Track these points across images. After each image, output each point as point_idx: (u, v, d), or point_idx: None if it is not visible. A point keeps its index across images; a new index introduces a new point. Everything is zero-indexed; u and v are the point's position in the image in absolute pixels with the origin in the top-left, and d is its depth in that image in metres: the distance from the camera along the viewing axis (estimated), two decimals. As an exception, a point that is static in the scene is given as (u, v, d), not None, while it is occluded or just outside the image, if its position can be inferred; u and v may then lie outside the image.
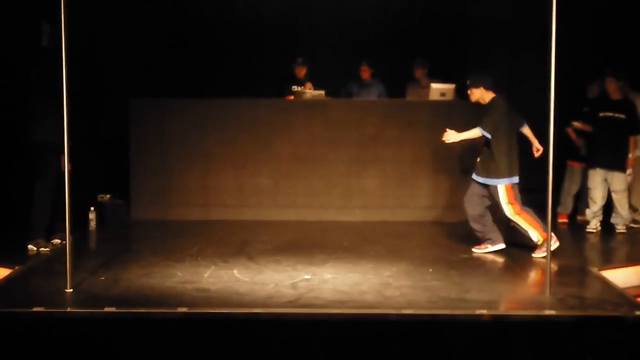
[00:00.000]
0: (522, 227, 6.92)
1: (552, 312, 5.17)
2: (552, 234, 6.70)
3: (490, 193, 6.98)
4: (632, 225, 8.41)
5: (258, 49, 10.28)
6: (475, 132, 6.93)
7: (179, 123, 8.74)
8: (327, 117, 8.81)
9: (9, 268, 6.33)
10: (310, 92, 8.93)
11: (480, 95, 7.04)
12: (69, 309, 5.20)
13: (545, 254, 6.84)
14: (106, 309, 5.12)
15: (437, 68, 9.45)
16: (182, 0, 10.08)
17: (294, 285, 5.86)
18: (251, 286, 5.82)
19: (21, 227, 7.15)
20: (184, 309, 5.15)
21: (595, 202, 8.21)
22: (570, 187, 8.85)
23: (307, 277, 6.13)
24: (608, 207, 8.32)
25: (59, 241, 7.09)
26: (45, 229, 7.08)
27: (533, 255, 6.94)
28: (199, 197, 8.75)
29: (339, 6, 10.06)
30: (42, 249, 6.99)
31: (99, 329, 5.07)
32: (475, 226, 7.09)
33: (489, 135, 6.87)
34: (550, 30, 5.33)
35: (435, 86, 8.83)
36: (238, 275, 6.17)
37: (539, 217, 6.84)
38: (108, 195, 8.80)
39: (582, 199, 8.76)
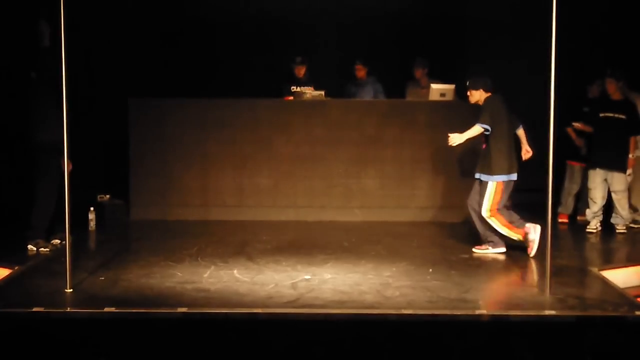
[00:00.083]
0: (496, 229, 6.96)
1: (552, 312, 5.17)
2: (532, 226, 6.76)
3: (482, 188, 7.00)
4: (632, 225, 8.40)
5: (257, 49, 10.28)
6: (476, 129, 6.93)
7: (178, 123, 8.73)
8: (327, 117, 8.81)
9: (9, 268, 6.33)
10: (310, 92, 8.93)
11: (480, 96, 7.06)
12: (68, 309, 5.20)
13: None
14: (106, 309, 5.12)
15: (437, 68, 9.44)
16: (182, 0, 10.08)
17: (293, 286, 5.86)
18: (251, 286, 5.82)
19: (21, 227, 7.14)
20: (183, 309, 5.15)
21: (595, 203, 8.20)
22: (571, 187, 8.84)
23: (307, 277, 6.12)
24: (608, 208, 8.31)
25: (58, 241, 7.09)
26: (45, 229, 7.07)
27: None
28: (198, 197, 8.75)
29: (339, 6, 10.06)
30: (42, 249, 6.99)
31: (99, 329, 5.07)
32: (479, 227, 7.09)
33: (488, 128, 6.88)
34: (550, 30, 5.33)
35: (435, 86, 8.82)
36: (238, 276, 6.16)
37: (518, 219, 6.91)
38: (108, 196, 8.79)
39: (582, 199, 8.75)
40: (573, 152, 8.73)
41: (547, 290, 5.56)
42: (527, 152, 7.17)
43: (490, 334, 5.10)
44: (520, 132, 7.23)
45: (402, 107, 9.01)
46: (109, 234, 8.04)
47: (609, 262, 7.07)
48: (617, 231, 8.21)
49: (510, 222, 6.92)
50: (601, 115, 8.16)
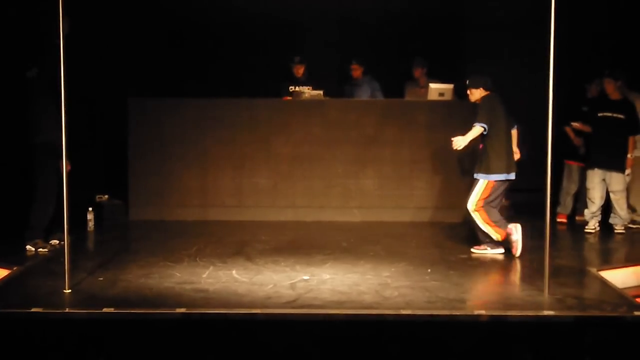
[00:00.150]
0: (478, 225, 6.98)
1: (551, 313, 5.16)
2: (514, 227, 6.78)
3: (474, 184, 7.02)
4: (631, 225, 8.41)
5: (256, 49, 10.29)
6: (476, 129, 6.93)
7: (177, 123, 8.73)
8: (326, 117, 8.81)
9: (7, 269, 6.33)
10: (308, 92, 8.93)
11: (480, 95, 7.06)
12: (67, 310, 5.19)
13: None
14: (104, 310, 5.11)
15: (436, 68, 9.45)
16: (181, 1, 10.08)
17: (292, 286, 5.86)
18: (250, 287, 5.82)
19: (20, 227, 7.14)
20: (182, 310, 5.14)
21: (593, 203, 8.21)
22: (569, 187, 8.85)
23: (306, 277, 6.12)
24: (607, 208, 8.31)
25: (57, 242, 7.08)
26: (44, 230, 7.07)
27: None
28: (197, 197, 8.75)
29: (338, 5, 10.06)
30: (41, 249, 6.98)
31: (98, 329, 5.06)
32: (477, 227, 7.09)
33: (486, 126, 6.88)
34: (549, 29, 5.33)
35: (433, 86, 8.82)
36: (236, 276, 6.16)
37: (501, 219, 6.95)
38: (106, 196, 8.79)
39: (580, 199, 8.75)
40: (571, 152, 8.73)
41: (546, 291, 5.56)
42: (515, 154, 7.17)
43: (488, 334, 5.10)
44: (513, 132, 7.24)
45: (401, 106, 9.01)
46: (108, 235, 8.04)
47: (607, 262, 7.07)
48: (616, 231, 8.21)
49: (494, 221, 6.95)
50: (600, 115, 8.16)
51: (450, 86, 8.80)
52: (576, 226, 8.63)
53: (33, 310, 5.10)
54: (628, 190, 8.31)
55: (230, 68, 10.22)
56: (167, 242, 7.52)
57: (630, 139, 8.18)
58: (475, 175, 7.05)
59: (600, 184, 8.17)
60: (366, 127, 8.76)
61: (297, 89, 9.02)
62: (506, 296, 5.64)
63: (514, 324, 5.12)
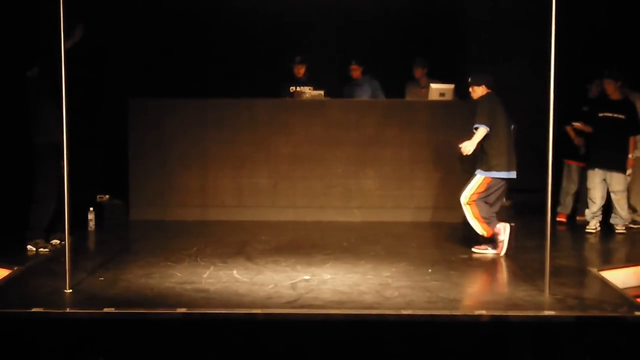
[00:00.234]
0: (467, 218, 7.01)
1: (552, 313, 5.16)
2: (502, 227, 6.79)
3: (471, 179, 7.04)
4: (632, 225, 8.40)
5: (257, 49, 10.28)
6: (481, 131, 6.92)
7: (177, 123, 8.73)
8: (326, 117, 8.81)
9: (8, 268, 6.33)
10: (309, 92, 8.93)
11: (482, 92, 7.06)
12: (67, 310, 5.19)
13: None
14: (105, 310, 5.12)
15: (437, 68, 9.44)
16: (181, 1, 10.08)
17: (293, 286, 5.86)
18: (250, 287, 5.82)
19: (20, 227, 7.14)
20: (182, 310, 5.14)
21: (594, 203, 8.20)
22: (569, 187, 8.85)
23: (306, 277, 6.12)
24: (608, 208, 8.31)
25: (58, 241, 7.08)
26: (44, 230, 7.07)
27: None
28: (197, 197, 8.75)
29: (338, 5, 10.06)
30: (41, 249, 6.98)
31: (98, 329, 5.06)
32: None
33: (488, 126, 6.87)
34: (550, 28, 5.33)
35: (434, 86, 8.82)
36: (237, 276, 6.16)
37: (492, 217, 6.95)
38: (107, 196, 8.79)
39: (581, 199, 8.75)
40: (570, 151, 8.72)
41: (547, 291, 5.57)
42: None
43: (489, 334, 5.09)
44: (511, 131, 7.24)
45: (402, 107, 9.01)
46: (108, 235, 8.04)
47: (608, 262, 7.07)
48: (617, 231, 8.21)
49: (483, 217, 6.96)
50: (600, 115, 8.16)
51: (451, 86, 8.80)
52: (577, 226, 8.62)
53: (34, 310, 5.10)
54: (628, 190, 8.31)
55: (230, 68, 10.22)
56: (168, 242, 7.52)
57: (631, 139, 8.17)
58: (476, 172, 7.05)
59: (601, 184, 8.17)
60: (367, 127, 8.76)
61: (297, 89, 9.02)
62: (507, 296, 5.63)
63: (514, 324, 5.12)
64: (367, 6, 10.02)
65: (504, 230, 6.93)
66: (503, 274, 6.57)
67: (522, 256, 6.93)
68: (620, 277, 6.47)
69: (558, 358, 5.01)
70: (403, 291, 5.71)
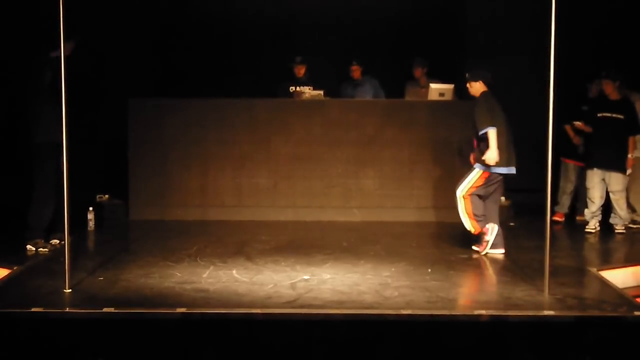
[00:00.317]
0: (459, 211, 7.02)
1: (551, 313, 5.16)
2: (491, 227, 6.80)
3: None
4: (631, 225, 8.41)
5: (256, 49, 10.29)
6: (492, 133, 6.82)
7: (177, 123, 8.73)
8: (326, 117, 8.81)
9: (8, 268, 6.33)
10: (309, 92, 8.93)
11: (479, 88, 7.05)
12: (67, 310, 5.19)
13: (484, 251, 6.97)
14: (105, 310, 5.11)
15: (436, 68, 9.45)
16: (181, 1, 10.08)
17: (292, 286, 5.86)
18: (250, 286, 5.82)
19: (20, 227, 7.14)
20: (182, 310, 5.14)
21: (593, 202, 8.21)
22: (565, 186, 8.85)
23: (306, 277, 6.12)
24: (607, 208, 8.31)
25: (57, 241, 7.08)
26: (44, 229, 7.07)
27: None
28: (197, 197, 8.75)
29: (338, 5, 10.06)
30: (41, 249, 6.98)
31: (97, 329, 5.06)
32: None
33: (493, 126, 6.84)
34: (549, 28, 5.33)
35: (434, 86, 8.82)
36: (237, 276, 6.16)
37: (483, 216, 6.96)
38: (107, 196, 8.80)
39: (581, 199, 8.75)
40: (568, 150, 8.71)
41: (546, 291, 5.57)
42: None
43: (489, 334, 5.10)
44: None
45: (401, 106, 9.02)
46: (108, 234, 8.04)
47: (607, 262, 7.07)
48: (616, 231, 8.21)
49: (475, 215, 6.97)
50: (599, 115, 8.16)
51: (450, 86, 8.80)
52: (576, 226, 8.62)
53: (33, 309, 5.10)
54: (628, 190, 8.31)
55: (230, 68, 10.22)
56: (168, 242, 7.52)
57: (630, 139, 8.17)
58: (475, 166, 7.04)
59: (600, 184, 8.17)
60: (366, 127, 8.77)
61: (297, 89, 9.02)
62: (506, 296, 5.63)
63: (514, 324, 5.12)
64: (367, 6, 10.01)
65: (491, 231, 6.95)
66: (502, 273, 6.56)
67: (522, 256, 6.93)
68: (619, 277, 6.47)
69: (557, 358, 5.01)
70: (403, 291, 5.71)
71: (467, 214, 6.98)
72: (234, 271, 6.30)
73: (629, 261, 7.05)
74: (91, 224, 8.08)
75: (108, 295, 5.52)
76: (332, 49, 10.17)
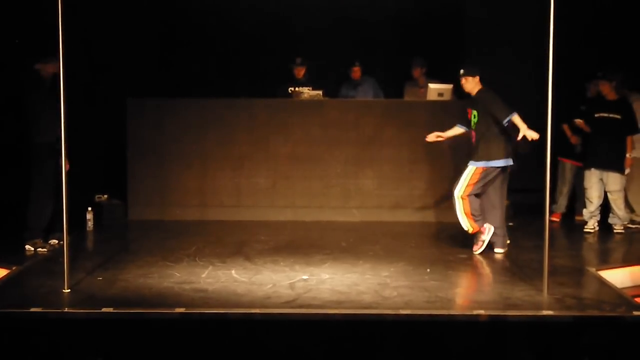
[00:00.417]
0: (456, 210, 7.01)
1: (550, 313, 5.17)
2: (488, 228, 6.81)
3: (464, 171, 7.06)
4: (630, 225, 8.41)
5: (255, 49, 10.27)
6: (516, 118, 6.78)
7: (176, 123, 8.73)
8: (325, 117, 8.81)
9: (7, 268, 6.33)
10: (307, 92, 8.93)
11: (474, 85, 7.04)
12: (66, 310, 5.19)
13: (478, 250, 6.98)
14: (103, 310, 5.12)
15: (435, 68, 9.45)
16: (180, 1, 10.08)
17: (291, 286, 5.86)
18: (249, 286, 5.82)
19: (19, 227, 7.14)
20: (181, 310, 5.14)
21: (591, 202, 8.21)
22: (562, 185, 8.85)
23: (305, 277, 6.13)
24: (606, 208, 8.31)
25: (56, 241, 7.08)
26: (43, 230, 7.06)
27: (473, 250, 7.07)
28: (196, 197, 8.75)
29: (337, 5, 10.05)
30: (40, 249, 6.98)
31: (96, 329, 5.07)
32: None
33: (516, 113, 6.82)
34: (549, 28, 5.33)
35: (433, 86, 8.82)
36: (236, 276, 6.16)
37: (480, 216, 6.96)
38: (105, 196, 8.79)
39: (579, 199, 8.75)
40: (565, 149, 8.70)
41: (545, 291, 5.57)
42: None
43: (487, 334, 5.10)
44: None
45: (400, 107, 9.02)
46: (107, 234, 8.04)
47: (606, 262, 7.07)
48: (615, 231, 8.21)
49: (473, 215, 6.97)
50: (596, 115, 8.16)
51: (449, 86, 8.79)
52: (575, 226, 8.62)
53: (32, 310, 5.11)
54: (626, 190, 8.31)
55: (230, 68, 10.22)
56: (166, 242, 7.52)
57: (628, 139, 8.17)
58: (468, 164, 7.04)
59: (598, 184, 8.17)
60: (365, 127, 8.77)
61: (296, 89, 9.02)
62: (505, 296, 5.64)
63: (513, 323, 5.13)
64: (367, 6, 10.01)
65: (488, 231, 6.97)
66: (501, 273, 6.56)
67: (521, 256, 6.94)
68: (618, 276, 6.48)
69: (556, 358, 5.02)
70: (401, 291, 5.71)
71: (465, 214, 6.98)
72: (233, 271, 6.30)
73: (628, 261, 7.06)
74: (90, 224, 8.08)
75: (107, 295, 5.53)
76: (332, 50, 10.16)
